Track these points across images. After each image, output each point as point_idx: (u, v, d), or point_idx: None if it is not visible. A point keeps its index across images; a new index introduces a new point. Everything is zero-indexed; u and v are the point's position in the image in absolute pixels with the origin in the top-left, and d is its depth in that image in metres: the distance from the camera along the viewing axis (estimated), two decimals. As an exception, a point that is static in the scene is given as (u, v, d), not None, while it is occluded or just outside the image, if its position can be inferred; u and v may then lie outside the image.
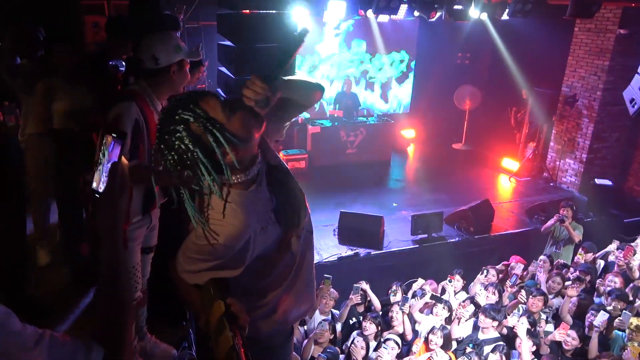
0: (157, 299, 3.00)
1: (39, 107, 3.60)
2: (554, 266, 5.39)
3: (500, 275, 5.36)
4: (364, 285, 4.77)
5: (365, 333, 4.16)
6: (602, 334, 4.16)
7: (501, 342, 4.08)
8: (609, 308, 4.34)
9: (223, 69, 4.68)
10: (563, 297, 4.91)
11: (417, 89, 10.73)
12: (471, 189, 8.09)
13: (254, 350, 1.40)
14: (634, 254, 4.94)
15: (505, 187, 8.51)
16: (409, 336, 4.35)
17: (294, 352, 3.28)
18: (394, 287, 4.84)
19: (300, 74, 1.99)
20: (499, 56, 9.67)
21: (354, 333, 4.25)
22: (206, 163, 1.39)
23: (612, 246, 5.70)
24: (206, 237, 1.50)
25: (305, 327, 4.41)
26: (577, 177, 8.10)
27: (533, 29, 8.08)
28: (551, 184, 8.42)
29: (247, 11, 4.12)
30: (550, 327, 4.37)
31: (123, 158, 1.26)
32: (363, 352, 3.99)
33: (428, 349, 4.11)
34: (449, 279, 5.04)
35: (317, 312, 4.41)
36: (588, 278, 5.03)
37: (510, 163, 8.96)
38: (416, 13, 7.02)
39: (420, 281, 5.04)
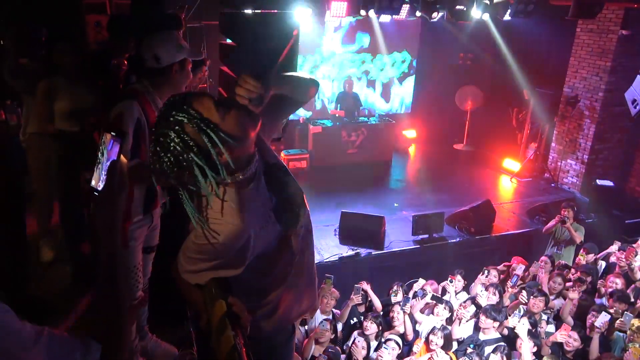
0: (158, 299, 3.00)
1: (40, 107, 3.60)
2: (555, 267, 5.38)
3: (502, 276, 5.35)
4: (365, 286, 4.76)
5: (366, 333, 4.16)
6: (603, 335, 4.16)
7: (502, 343, 4.07)
8: (611, 310, 4.33)
9: (225, 68, 4.67)
10: (564, 298, 4.91)
11: (418, 89, 10.72)
12: (472, 189, 8.09)
13: (255, 349, 1.40)
14: (636, 255, 4.93)
15: (506, 188, 8.51)
16: (410, 336, 4.35)
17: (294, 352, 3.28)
18: (395, 288, 4.83)
19: (300, 72, 1.98)
20: (500, 57, 9.66)
21: (355, 333, 4.25)
22: (201, 164, 1.38)
23: (614, 247, 5.69)
24: (206, 237, 1.50)
25: (306, 326, 4.41)
26: (578, 177, 8.09)
27: (535, 29, 8.07)
28: (552, 184, 8.42)
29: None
30: (551, 327, 4.37)
31: (122, 157, 1.26)
32: (364, 352, 3.99)
33: (429, 350, 4.11)
34: (449, 279, 5.04)
35: (318, 311, 4.41)
36: (589, 279, 5.02)
37: (512, 163, 8.95)
38: (418, 13, 7.02)
39: (421, 281, 5.03)
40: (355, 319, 4.57)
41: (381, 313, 4.61)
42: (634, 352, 3.72)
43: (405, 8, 6.87)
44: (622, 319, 4.16)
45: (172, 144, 1.36)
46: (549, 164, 8.63)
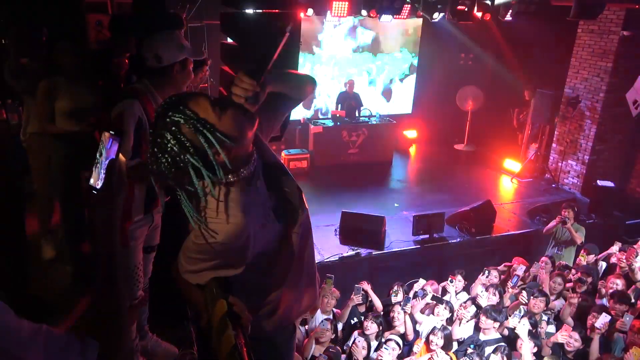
0: (158, 298, 3.00)
1: (41, 107, 3.60)
2: (555, 268, 5.38)
3: (502, 277, 5.35)
4: (366, 286, 4.76)
5: (367, 333, 4.16)
6: (603, 335, 4.15)
7: (502, 343, 4.07)
8: (611, 312, 4.33)
9: (226, 68, 4.67)
10: (564, 299, 4.91)
11: (419, 90, 10.72)
12: (473, 189, 8.09)
13: (256, 349, 1.40)
14: (636, 256, 4.92)
15: (507, 188, 8.50)
16: (411, 336, 4.34)
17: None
18: (395, 288, 4.83)
19: (296, 70, 1.99)
20: (501, 57, 9.67)
21: (355, 333, 4.25)
22: (198, 165, 1.38)
23: (614, 248, 5.69)
24: (204, 237, 1.50)
25: (307, 326, 4.41)
26: (579, 178, 8.09)
27: (536, 30, 8.07)
28: (553, 185, 8.41)
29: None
30: (551, 328, 4.37)
31: (121, 155, 1.26)
32: (364, 352, 3.99)
33: (429, 350, 4.11)
34: (450, 279, 5.03)
35: (318, 311, 4.41)
36: (589, 280, 5.02)
37: (512, 164, 8.95)
38: (419, 13, 7.03)
39: (422, 282, 5.03)
40: (355, 319, 4.57)
41: (381, 313, 4.61)
42: (634, 353, 3.71)
43: (407, 8, 6.87)
44: (622, 320, 4.16)
45: (169, 145, 1.36)
46: (549, 165, 8.63)
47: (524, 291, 4.75)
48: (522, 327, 4.05)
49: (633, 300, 4.57)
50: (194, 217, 1.48)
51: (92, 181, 1.25)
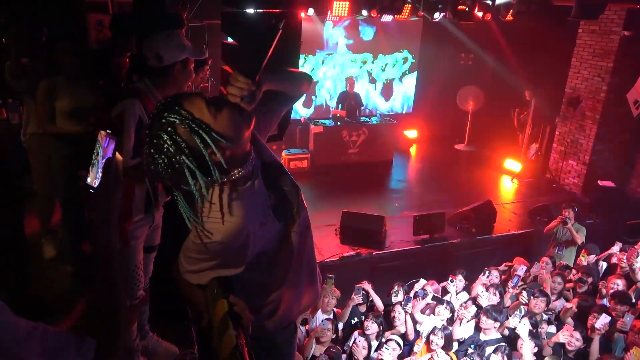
0: (159, 298, 3.00)
1: (41, 107, 3.59)
2: (556, 267, 5.37)
3: (503, 277, 5.35)
4: (367, 286, 4.76)
5: (367, 333, 4.16)
6: (604, 336, 4.15)
7: (503, 343, 4.07)
8: (612, 313, 4.32)
9: (227, 67, 4.67)
10: (565, 299, 4.91)
11: (420, 89, 10.72)
12: (473, 189, 8.08)
13: (257, 349, 1.40)
14: (637, 256, 4.92)
15: (507, 188, 8.50)
16: (411, 336, 4.34)
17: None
18: (395, 288, 4.83)
19: (293, 68, 1.98)
20: (502, 57, 9.67)
21: (355, 333, 4.24)
22: (192, 167, 1.38)
23: (615, 248, 5.68)
24: (201, 237, 1.50)
25: (307, 326, 4.41)
26: (579, 178, 8.08)
27: (537, 30, 8.06)
28: (554, 185, 8.41)
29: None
30: (552, 328, 4.37)
31: (118, 154, 1.26)
32: (365, 352, 3.99)
33: (429, 350, 4.10)
34: (450, 278, 5.03)
35: (319, 311, 4.41)
36: (590, 280, 5.01)
37: (513, 164, 8.95)
38: (420, 13, 7.02)
39: (422, 282, 5.03)
40: (356, 319, 4.57)
41: (382, 313, 4.61)
42: (635, 354, 3.71)
43: (407, 8, 6.87)
44: (623, 320, 4.15)
45: (165, 146, 1.36)
46: (550, 165, 8.62)
47: (524, 291, 4.74)
48: (522, 327, 4.05)
49: (634, 301, 4.57)
50: (190, 217, 1.47)
51: (89, 180, 1.25)
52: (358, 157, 9.08)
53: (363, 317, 4.46)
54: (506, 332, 4.32)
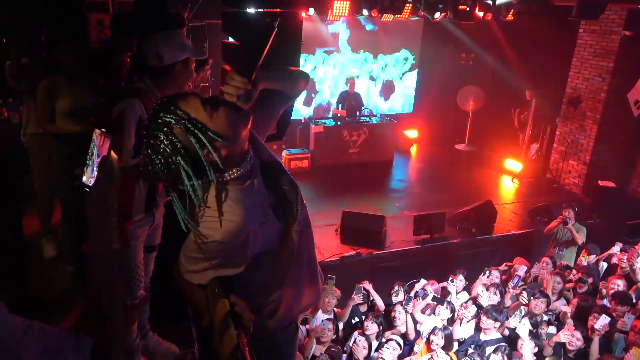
0: (159, 298, 3.00)
1: (41, 107, 3.59)
2: (556, 268, 5.37)
3: (503, 277, 5.35)
4: (367, 285, 4.76)
5: (367, 333, 4.16)
6: (604, 336, 4.15)
7: (503, 343, 4.07)
8: (613, 313, 4.32)
9: (227, 67, 4.67)
10: (565, 299, 4.90)
11: (420, 89, 10.71)
12: (474, 189, 8.08)
13: (258, 348, 1.40)
14: (638, 256, 4.91)
15: (508, 188, 8.50)
16: (412, 336, 4.34)
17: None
18: (396, 288, 4.84)
19: (290, 66, 1.97)
20: (503, 57, 9.66)
21: (355, 333, 4.24)
22: (187, 168, 1.38)
23: (615, 248, 5.68)
24: (201, 237, 1.50)
25: (308, 326, 4.41)
26: (580, 178, 8.08)
27: (537, 30, 8.06)
28: (554, 185, 8.40)
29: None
30: (552, 329, 4.36)
31: (112, 153, 1.26)
32: (365, 352, 3.99)
33: (430, 350, 4.10)
34: (451, 278, 5.03)
35: (319, 311, 4.41)
36: (590, 280, 5.01)
37: (513, 164, 8.94)
38: (420, 13, 7.01)
39: (422, 282, 5.03)
40: (357, 319, 4.57)
41: (382, 313, 4.61)
42: (634, 354, 3.70)
43: (408, 8, 6.86)
44: (623, 320, 4.15)
45: (161, 146, 1.36)
46: (550, 165, 8.61)
47: (524, 292, 4.74)
48: (522, 327, 4.05)
49: (634, 301, 4.56)
50: (185, 218, 1.47)
51: (84, 179, 1.25)
52: (358, 156, 9.08)
53: (363, 317, 4.46)
54: (506, 332, 4.31)
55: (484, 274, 5.18)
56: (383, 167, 9.18)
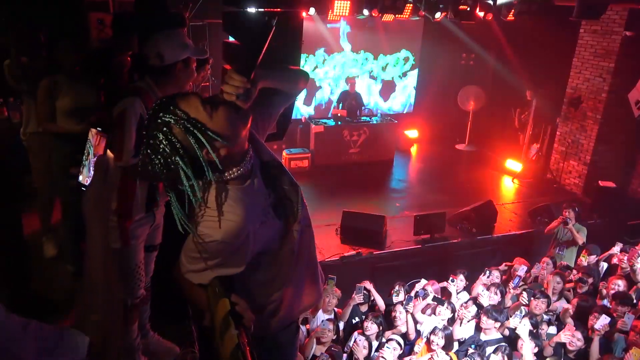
0: (160, 297, 3.00)
1: (42, 106, 3.58)
2: (557, 268, 5.37)
3: (504, 277, 5.35)
4: (368, 285, 4.76)
5: (367, 333, 4.15)
6: (604, 336, 4.15)
7: (503, 343, 4.07)
8: (614, 314, 4.32)
9: (228, 67, 4.67)
10: (566, 299, 4.90)
11: (421, 89, 10.71)
12: (474, 189, 8.08)
13: (259, 348, 1.39)
14: (638, 257, 4.91)
15: (508, 188, 8.50)
16: (412, 336, 4.34)
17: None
18: (397, 287, 4.83)
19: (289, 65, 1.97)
20: (503, 57, 9.66)
21: (355, 333, 4.24)
22: (186, 168, 1.38)
23: (616, 249, 5.68)
24: (201, 236, 1.50)
25: (308, 325, 4.40)
26: (580, 179, 8.08)
27: (538, 30, 8.06)
28: (555, 185, 8.40)
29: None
30: (552, 329, 4.36)
31: (109, 152, 1.26)
32: (365, 352, 3.99)
33: (430, 350, 4.10)
34: (451, 278, 5.03)
35: (320, 311, 4.41)
36: (590, 280, 5.01)
37: (514, 164, 8.94)
38: (421, 13, 7.01)
39: (423, 282, 5.03)
40: (357, 319, 4.57)
41: (382, 313, 4.61)
42: (634, 354, 3.70)
43: (409, 7, 6.86)
44: (623, 320, 4.15)
45: (161, 146, 1.36)
46: (551, 165, 8.61)
47: (524, 292, 4.74)
48: (523, 327, 4.04)
49: (635, 301, 4.56)
50: (182, 219, 1.47)
51: (80, 178, 1.25)
52: (359, 156, 9.08)
53: (364, 317, 4.46)
54: (506, 332, 4.31)
55: (484, 274, 5.18)
56: (383, 167, 9.18)
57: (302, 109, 9.76)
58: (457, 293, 4.96)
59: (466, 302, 4.52)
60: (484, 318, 4.23)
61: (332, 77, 9.91)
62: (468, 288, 5.18)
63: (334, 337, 4.21)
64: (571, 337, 4.05)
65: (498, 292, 4.73)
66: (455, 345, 4.31)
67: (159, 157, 1.36)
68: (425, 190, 8.22)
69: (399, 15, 7.02)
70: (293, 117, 8.09)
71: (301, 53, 5.15)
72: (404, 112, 10.81)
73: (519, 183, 8.56)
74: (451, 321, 4.51)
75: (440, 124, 10.48)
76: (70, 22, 4.52)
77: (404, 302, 4.42)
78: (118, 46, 3.75)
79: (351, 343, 4.06)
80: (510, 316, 4.31)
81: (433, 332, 4.16)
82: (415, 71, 10.58)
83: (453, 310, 4.54)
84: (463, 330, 4.36)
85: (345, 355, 4.06)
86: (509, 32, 9.12)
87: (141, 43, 2.61)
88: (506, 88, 9.49)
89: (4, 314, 1.08)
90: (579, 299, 4.70)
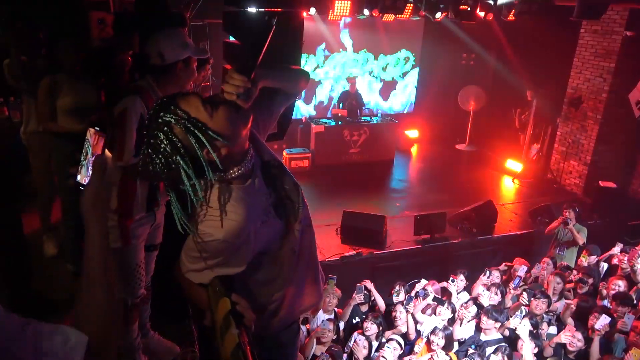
0: (160, 296, 3.00)
1: (42, 105, 3.58)
2: (557, 268, 5.37)
3: (504, 277, 5.35)
4: (369, 285, 4.76)
5: (367, 333, 4.15)
6: (604, 336, 4.14)
7: (503, 344, 4.07)
8: (614, 314, 4.32)
9: (228, 66, 4.66)
10: (567, 300, 4.90)
11: (421, 89, 10.71)
12: (474, 189, 8.08)
13: (260, 348, 1.39)
14: (638, 257, 4.91)
15: (508, 189, 8.50)
16: (412, 336, 4.34)
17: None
18: (397, 287, 4.83)
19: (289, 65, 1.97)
20: (504, 57, 9.66)
21: (355, 333, 4.24)
22: (186, 169, 1.38)
23: (616, 249, 5.67)
24: (202, 236, 1.50)
25: (308, 325, 4.40)
26: (581, 179, 8.07)
27: (539, 30, 8.05)
28: (555, 185, 8.40)
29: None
30: (552, 329, 4.36)
31: (107, 151, 1.26)
32: (365, 352, 3.99)
33: (430, 350, 4.10)
34: (451, 278, 5.03)
35: (320, 311, 4.41)
36: (590, 280, 5.01)
37: (514, 164, 8.94)
38: (422, 13, 7.02)
39: (423, 282, 5.03)
40: (357, 318, 4.57)
41: (382, 313, 4.61)
42: (634, 354, 3.70)
43: (409, 7, 6.87)
44: (623, 320, 4.15)
45: (161, 146, 1.36)
46: (551, 165, 8.61)
47: (525, 292, 4.74)
48: (523, 327, 4.04)
49: (635, 302, 4.56)
50: (181, 219, 1.47)
51: (78, 178, 1.25)
52: (359, 156, 9.09)
53: (364, 317, 4.46)
54: (507, 332, 4.31)
55: (484, 274, 5.17)
56: (384, 167, 9.18)
57: (302, 109, 9.75)
58: (458, 293, 4.96)
59: (466, 302, 4.52)
60: (484, 318, 4.23)
61: (333, 77, 9.90)
62: (468, 288, 5.18)
63: (334, 337, 4.21)
64: (571, 338, 4.05)
65: (498, 292, 4.73)
66: (456, 346, 4.31)
67: (160, 156, 1.36)
68: (425, 190, 8.23)
69: (400, 15, 7.02)
70: (293, 117, 8.09)
71: (302, 53, 5.15)
72: (405, 112, 10.81)
73: (519, 183, 8.56)
74: (451, 321, 4.50)
75: (440, 124, 10.48)
76: (71, 21, 4.52)
77: (404, 302, 4.41)
78: (119, 45, 3.74)
79: (351, 343, 4.06)
80: (511, 316, 4.31)
81: (433, 332, 4.16)
82: (416, 71, 10.58)
83: (453, 311, 4.54)
84: (463, 331, 4.36)
85: (345, 355, 4.06)
86: (509, 32, 9.12)
87: (142, 42, 2.61)
88: (506, 88, 9.49)
89: (4, 314, 1.07)
90: (579, 300, 4.70)
